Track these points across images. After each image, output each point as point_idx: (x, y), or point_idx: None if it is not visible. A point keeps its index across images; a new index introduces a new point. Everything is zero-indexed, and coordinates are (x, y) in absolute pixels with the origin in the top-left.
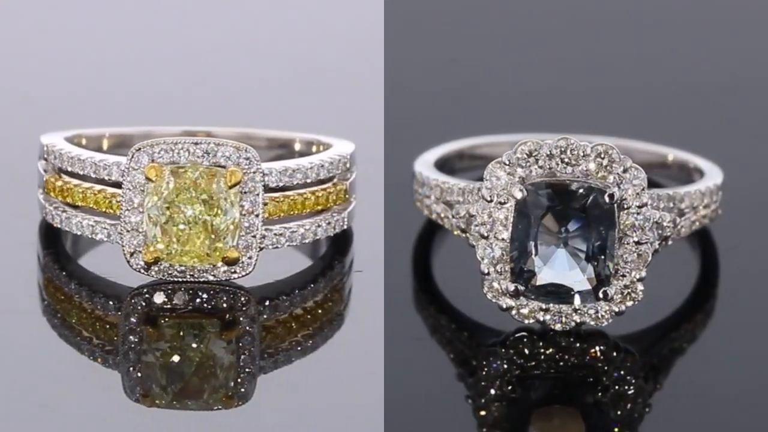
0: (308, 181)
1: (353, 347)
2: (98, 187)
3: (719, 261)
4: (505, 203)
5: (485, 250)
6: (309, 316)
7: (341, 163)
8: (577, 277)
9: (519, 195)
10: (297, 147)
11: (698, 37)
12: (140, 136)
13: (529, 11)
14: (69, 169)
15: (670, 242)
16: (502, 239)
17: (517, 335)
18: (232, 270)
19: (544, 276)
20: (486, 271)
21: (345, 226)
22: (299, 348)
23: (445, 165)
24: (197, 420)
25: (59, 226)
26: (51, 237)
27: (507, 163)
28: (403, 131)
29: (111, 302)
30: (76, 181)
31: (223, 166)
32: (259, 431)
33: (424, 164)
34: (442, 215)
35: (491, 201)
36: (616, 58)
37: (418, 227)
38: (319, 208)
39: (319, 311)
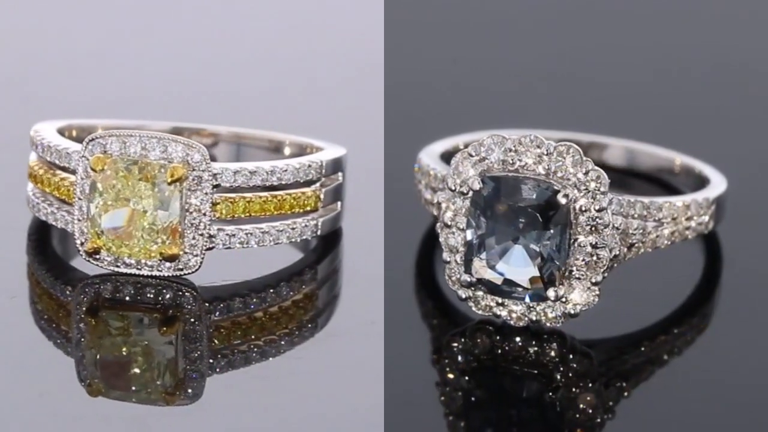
0: (267, 184)
1: (325, 354)
2: (63, 174)
3: (721, 270)
4: (466, 194)
5: (447, 239)
6: (273, 321)
7: (312, 169)
8: (530, 275)
9: (477, 186)
10: (287, 151)
11: (712, 38)
12: (132, 129)
13: (538, 8)
14: (41, 154)
15: (641, 251)
16: (462, 229)
17: (477, 327)
18: (178, 267)
19: (499, 270)
20: (447, 260)
21: (318, 233)
22: (257, 351)
23: (451, 157)
24: (147, 415)
25: (31, 211)
26: (41, 223)
27: (472, 154)
28: (404, 132)
29: (68, 290)
30: (47, 168)
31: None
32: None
33: (428, 152)
34: (429, 201)
35: (454, 191)
36: (626, 56)
37: (419, 226)
38: (282, 212)
39: (286, 317)
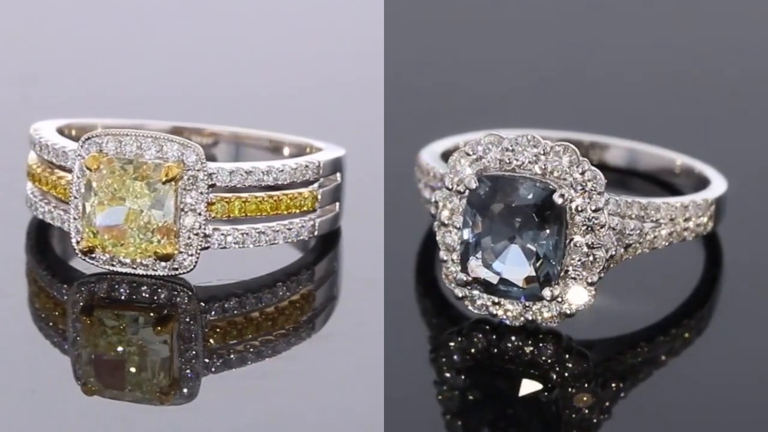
0: (263, 184)
1: (321, 356)
2: (61, 173)
3: (721, 271)
4: (463, 193)
5: (444, 238)
6: (270, 321)
7: (309, 170)
8: (525, 274)
9: (473, 185)
10: (286, 151)
11: (718, 38)
12: (131, 128)
13: (539, 7)
14: (39, 153)
15: (639, 252)
16: (459, 228)
17: (474, 327)
18: (174, 266)
19: (495, 270)
20: (444, 259)
21: (315, 233)
22: (253, 351)
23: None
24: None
25: (30, 210)
26: (41, 222)
27: (469, 153)
28: (404, 132)
29: (65, 289)
30: (46, 167)
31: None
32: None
33: (428, 151)
34: (428, 200)
35: (451, 189)
36: (626, 55)
37: (419, 226)
38: (278, 212)
39: (282, 318)
